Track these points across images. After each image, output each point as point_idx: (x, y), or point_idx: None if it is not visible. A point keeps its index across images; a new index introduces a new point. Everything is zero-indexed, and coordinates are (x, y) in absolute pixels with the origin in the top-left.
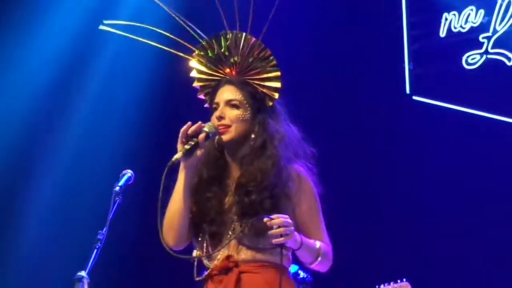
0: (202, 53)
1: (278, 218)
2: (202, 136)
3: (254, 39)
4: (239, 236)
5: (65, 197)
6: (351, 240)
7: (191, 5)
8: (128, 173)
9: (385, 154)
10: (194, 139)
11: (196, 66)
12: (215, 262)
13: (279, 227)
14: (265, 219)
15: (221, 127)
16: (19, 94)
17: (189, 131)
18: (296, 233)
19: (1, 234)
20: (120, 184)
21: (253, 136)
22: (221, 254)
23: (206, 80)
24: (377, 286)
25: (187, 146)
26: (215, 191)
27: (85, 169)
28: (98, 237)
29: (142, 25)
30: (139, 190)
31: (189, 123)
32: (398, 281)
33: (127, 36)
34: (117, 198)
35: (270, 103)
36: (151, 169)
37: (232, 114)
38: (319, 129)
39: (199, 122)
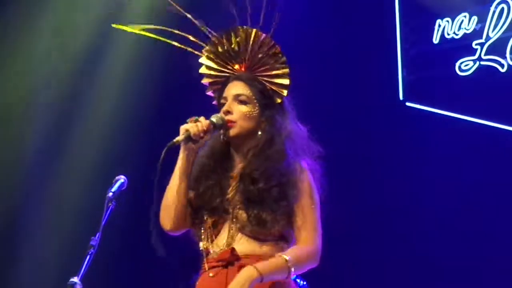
0: (211, 49)
1: None
2: (207, 122)
3: (264, 35)
4: (242, 225)
5: (58, 203)
6: (343, 244)
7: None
8: (122, 179)
9: (378, 160)
10: (198, 123)
11: (205, 63)
12: (216, 250)
13: None
14: None
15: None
16: (14, 101)
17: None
18: (253, 268)
19: None
20: (113, 190)
21: (260, 133)
22: (222, 244)
23: (215, 76)
24: None
25: (190, 128)
26: (217, 179)
27: (79, 175)
28: (91, 243)
29: (155, 27)
30: (132, 195)
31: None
32: None
33: (138, 34)
34: (110, 204)
35: (279, 100)
36: (144, 175)
37: (239, 110)
38: (311, 135)
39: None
